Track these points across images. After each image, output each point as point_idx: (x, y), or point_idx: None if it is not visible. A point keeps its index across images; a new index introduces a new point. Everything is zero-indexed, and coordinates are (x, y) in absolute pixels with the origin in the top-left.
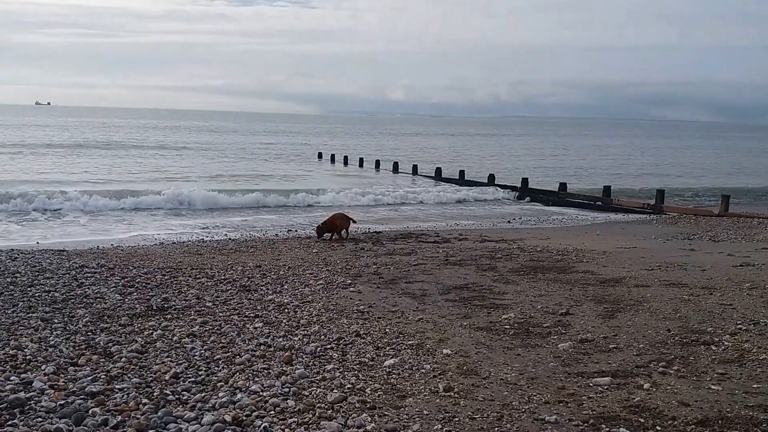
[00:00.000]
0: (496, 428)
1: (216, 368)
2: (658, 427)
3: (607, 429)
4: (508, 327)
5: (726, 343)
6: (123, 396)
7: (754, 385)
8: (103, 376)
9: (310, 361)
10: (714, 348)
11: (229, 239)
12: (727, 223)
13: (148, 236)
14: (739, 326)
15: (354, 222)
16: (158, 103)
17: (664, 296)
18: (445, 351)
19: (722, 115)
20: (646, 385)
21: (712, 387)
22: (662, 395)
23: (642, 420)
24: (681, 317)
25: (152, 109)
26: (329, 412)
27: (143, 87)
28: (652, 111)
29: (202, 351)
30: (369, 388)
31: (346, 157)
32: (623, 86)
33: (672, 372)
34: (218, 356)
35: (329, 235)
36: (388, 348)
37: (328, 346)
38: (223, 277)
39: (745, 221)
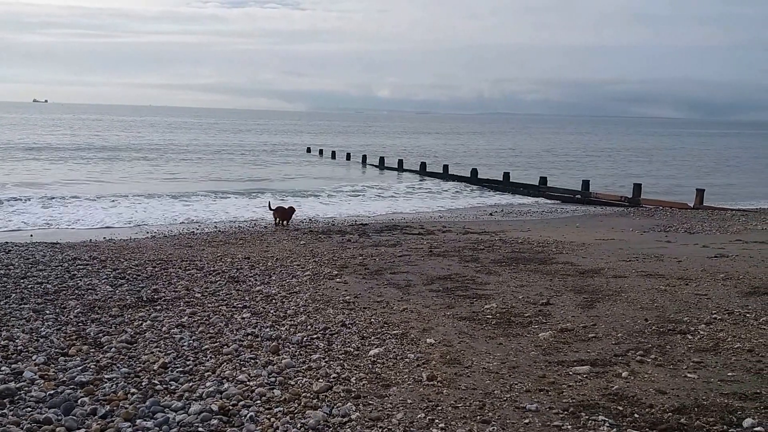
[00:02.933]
0: (479, 416)
1: (204, 358)
2: (636, 415)
3: (587, 417)
4: (490, 317)
5: (701, 333)
6: (112, 386)
7: (729, 373)
8: (92, 366)
9: (296, 351)
10: (690, 337)
11: (219, 231)
12: (702, 215)
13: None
14: (714, 316)
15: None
16: (152, 100)
17: (641, 287)
18: (428, 340)
19: (695, 112)
20: (624, 374)
21: (689, 375)
22: (640, 383)
23: (620, 408)
24: (658, 307)
25: (147, 106)
26: (315, 401)
27: (138, 85)
28: (629, 108)
29: (191, 341)
30: (354, 378)
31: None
32: (600, 84)
33: (649, 360)
34: (206, 346)
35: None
36: (373, 338)
37: (315, 336)
38: (212, 269)
39: (719, 214)
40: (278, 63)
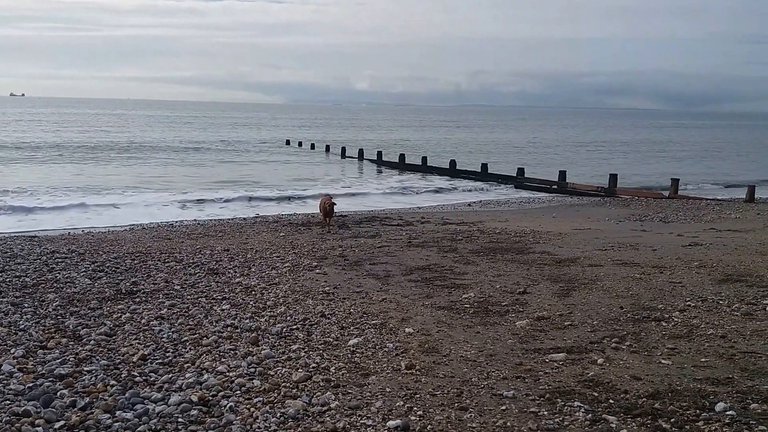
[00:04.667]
0: (456, 404)
1: (183, 350)
2: (611, 401)
3: (563, 403)
4: (468, 306)
5: (676, 320)
6: (91, 378)
7: (702, 359)
8: (71, 359)
9: (276, 342)
10: (664, 324)
11: (198, 224)
12: (677, 205)
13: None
14: (688, 303)
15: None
16: (131, 93)
17: (616, 275)
18: (407, 330)
19: (671, 104)
20: (599, 361)
21: (663, 361)
22: (615, 370)
23: (596, 394)
24: (633, 295)
25: (125, 100)
26: (294, 390)
27: (116, 78)
28: (604, 99)
29: (170, 333)
30: (333, 367)
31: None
32: (576, 76)
33: (624, 347)
34: (186, 338)
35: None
36: (352, 328)
37: (294, 327)
38: (191, 261)
39: (693, 203)
40: (256, 56)
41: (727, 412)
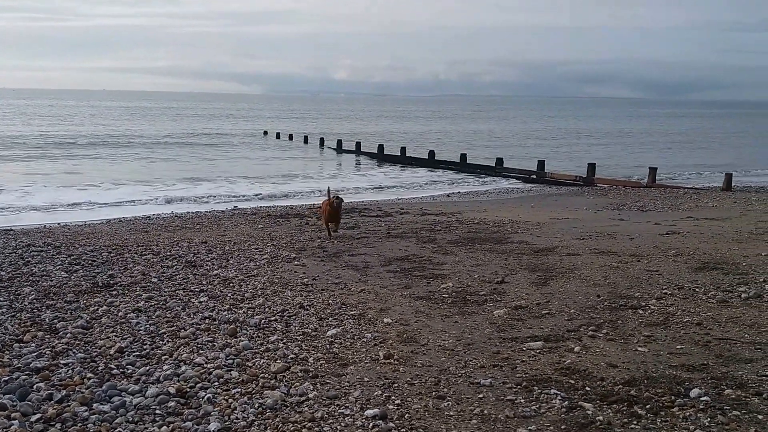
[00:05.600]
0: (434, 392)
1: (161, 342)
2: (587, 388)
3: (539, 390)
4: (447, 296)
5: (652, 307)
6: (68, 371)
7: (678, 346)
8: (48, 352)
9: (254, 333)
10: (641, 312)
11: (175, 216)
12: (655, 193)
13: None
14: (665, 291)
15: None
16: (106, 84)
17: (594, 264)
18: (385, 320)
19: (650, 92)
20: (576, 349)
21: (639, 349)
22: (592, 357)
23: (572, 381)
24: (610, 283)
25: (100, 91)
26: (272, 381)
27: (91, 69)
28: (584, 88)
29: (147, 326)
30: (312, 358)
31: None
32: (555, 65)
33: (601, 335)
34: (163, 330)
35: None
36: (330, 318)
37: (273, 318)
38: (168, 254)
39: (671, 192)
40: (233, 45)
41: (702, 398)
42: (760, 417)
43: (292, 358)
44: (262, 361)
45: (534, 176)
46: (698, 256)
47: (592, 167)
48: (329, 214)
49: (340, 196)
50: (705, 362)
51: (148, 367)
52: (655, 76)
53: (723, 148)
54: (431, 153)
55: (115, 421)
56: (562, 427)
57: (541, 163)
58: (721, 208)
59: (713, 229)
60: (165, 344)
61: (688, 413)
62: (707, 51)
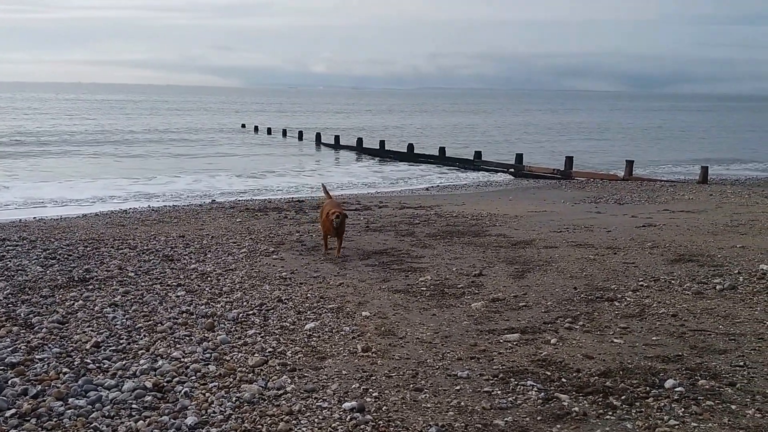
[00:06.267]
0: (411, 385)
1: (137, 336)
2: (563, 379)
3: (516, 382)
4: (425, 289)
5: (628, 299)
6: (43, 366)
7: (653, 338)
8: (23, 347)
9: (232, 327)
10: (617, 304)
11: (152, 210)
12: (632, 186)
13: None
14: (641, 283)
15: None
16: (81, 77)
17: (571, 256)
18: (364, 313)
19: (628, 85)
20: (553, 340)
21: (615, 340)
22: (568, 349)
23: (549, 373)
24: (587, 276)
25: (75, 84)
26: (250, 375)
27: (66, 62)
28: (562, 81)
29: (124, 320)
30: (290, 351)
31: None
32: (534, 58)
33: (577, 327)
34: (140, 325)
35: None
36: (309, 312)
37: (251, 312)
38: (145, 248)
39: (648, 184)
40: (210, 38)
41: (676, 389)
42: (733, 407)
43: (270, 352)
44: (240, 355)
45: (512, 169)
46: (674, 248)
47: (569, 160)
48: (328, 229)
49: (345, 212)
50: (680, 353)
51: (124, 362)
52: (632, 69)
53: (700, 141)
54: (410, 146)
55: (91, 416)
56: (538, 418)
57: (519, 157)
58: (697, 201)
59: (689, 221)
60: (142, 339)
61: (662, 404)
62: (684, 44)
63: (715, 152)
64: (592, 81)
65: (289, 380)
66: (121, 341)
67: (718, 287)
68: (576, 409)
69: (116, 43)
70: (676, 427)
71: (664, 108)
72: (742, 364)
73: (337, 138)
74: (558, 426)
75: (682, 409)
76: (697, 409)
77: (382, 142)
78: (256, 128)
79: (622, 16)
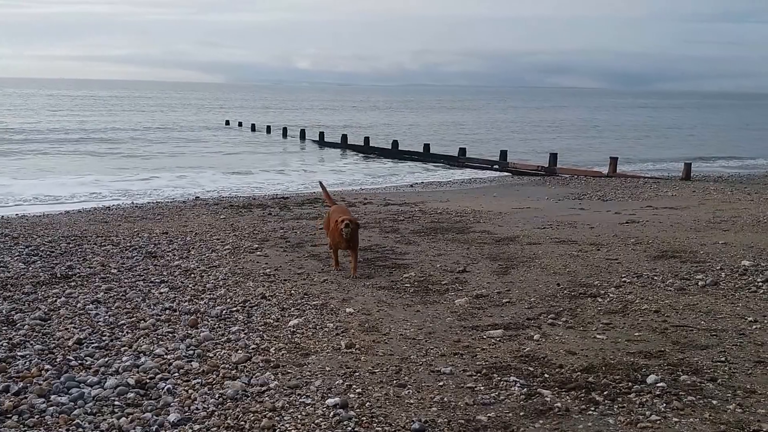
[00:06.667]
0: (395, 381)
1: (120, 333)
2: (546, 375)
3: (499, 378)
4: (409, 285)
5: (611, 295)
6: (25, 363)
7: (636, 333)
8: (5, 344)
9: (215, 324)
10: (600, 300)
11: (136, 206)
12: (615, 183)
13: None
14: (624, 279)
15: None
16: (64, 73)
17: (554, 253)
18: (348, 310)
19: (613, 83)
20: (536, 336)
21: (598, 336)
22: (551, 345)
23: (531, 369)
24: (570, 272)
25: (59, 80)
26: (233, 372)
27: (49, 57)
28: (547, 79)
29: (107, 317)
30: (273, 348)
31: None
32: (518, 55)
33: (560, 323)
34: (123, 322)
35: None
36: (293, 309)
37: (234, 309)
38: (129, 244)
39: (631, 181)
40: (194, 33)
41: (658, 384)
42: (714, 402)
43: (253, 349)
44: (223, 351)
45: (496, 166)
46: (657, 244)
47: (554, 157)
48: (338, 241)
49: (357, 221)
50: (662, 349)
51: (107, 359)
52: (617, 66)
53: (683, 138)
54: (395, 143)
55: (74, 413)
56: (521, 413)
57: (503, 153)
58: (680, 198)
59: (672, 218)
60: (124, 335)
61: (644, 399)
62: (668, 42)
63: (698, 149)
64: (578, 78)
65: (273, 377)
66: (104, 338)
67: (700, 283)
68: (558, 404)
69: (99, 39)
70: (658, 422)
71: (649, 105)
72: (723, 359)
73: (321, 134)
74: (540, 421)
75: (664, 405)
76: (679, 404)
77: (366, 139)
78: (240, 124)
79: (607, 13)
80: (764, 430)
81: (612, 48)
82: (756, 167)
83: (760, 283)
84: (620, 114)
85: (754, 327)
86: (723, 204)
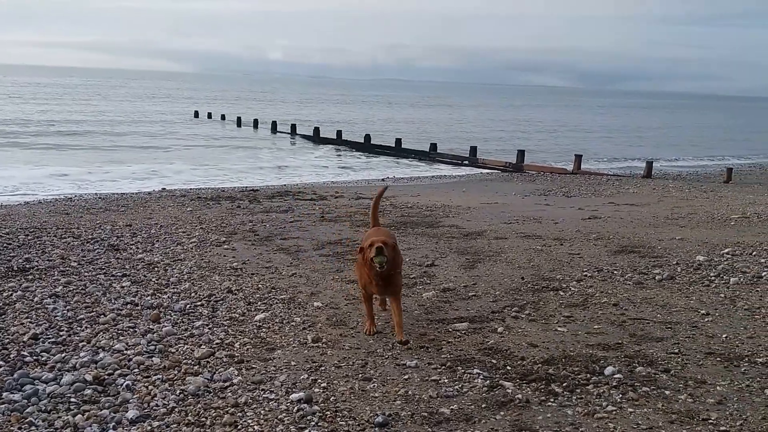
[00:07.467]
0: (360, 375)
1: (78, 328)
2: (508, 367)
3: (463, 370)
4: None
5: (573, 289)
6: None
7: (595, 326)
8: None
9: (178, 319)
10: (562, 293)
11: (99, 198)
12: (580, 180)
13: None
14: (585, 273)
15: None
16: (26, 59)
17: (520, 247)
18: (316, 304)
19: (582, 82)
20: (500, 329)
21: (559, 329)
22: (514, 338)
23: (494, 361)
24: (534, 266)
25: (20, 66)
26: (196, 367)
27: (10, 43)
28: (519, 76)
29: (65, 311)
30: (238, 343)
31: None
32: (491, 52)
33: (524, 316)
34: (81, 316)
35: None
36: (259, 303)
37: (199, 303)
38: (90, 237)
39: (595, 178)
40: (164, 21)
41: (615, 376)
42: (667, 392)
43: (217, 344)
44: (186, 347)
45: (466, 162)
46: (617, 240)
47: (521, 153)
48: (367, 279)
49: (395, 241)
50: (620, 341)
51: (63, 354)
52: (586, 66)
53: (647, 137)
54: (367, 137)
55: (27, 410)
56: (483, 405)
57: (473, 149)
58: (640, 195)
59: (632, 214)
60: (83, 330)
61: (602, 390)
62: (636, 43)
63: (661, 148)
64: (548, 76)
65: (236, 372)
66: (61, 333)
67: (657, 277)
68: (519, 396)
69: (65, 25)
70: (614, 412)
71: (615, 105)
72: (676, 351)
73: (293, 126)
74: (501, 413)
75: (620, 395)
76: (634, 395)
77: (338, 132)
78: (209, 115)
79: (577, 13)
80: (713, 418)
81: (581, 47)
82: (713, 166)
83: (713, 278)
84: (587, 113)
85: (707, 320)
86: (681, 201)
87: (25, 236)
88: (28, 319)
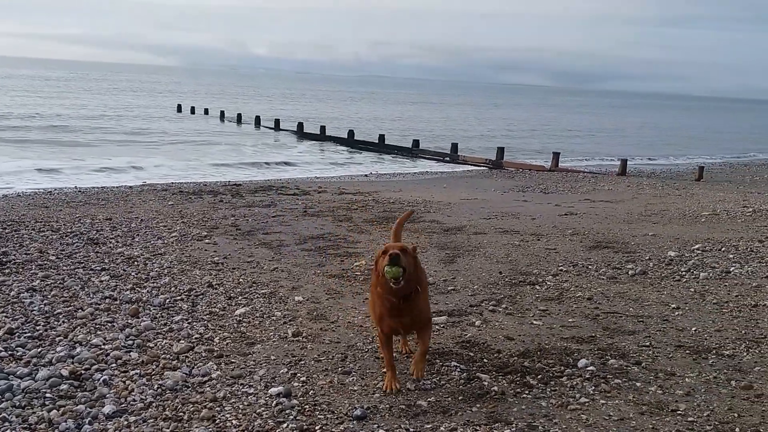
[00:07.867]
0: (340, 368)
1: (56, 323)
2: (485, 360)
3: (441, 363)
4: (359, 273)
5: (548, 283)
6: None
7: (570, 320)
8: None
9: (157, 313)
10: (538, 288)
11: (79, 191)
12: (557, 177)
13: None
14: (561, 268)
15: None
16: (8, 50)
17: (498, 242)
18: (297, 298)
19: (560, 81)
20: (477, 323)
21: (534, 322)
22: (491, 331)
23: (472, 354)
24: (512, 261)
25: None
26: (174, 362)
27: None
28: (498, 75)
29: (42, 305)
30: (218, 337)
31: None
32: (472, 51)
33: (501, 310)
34: (59, 311)
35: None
36: (240, 297)
37: (178, 298)
38: (69, 230)
39: (572, 175)
40: (150, 15)
41: (588, 368)
42: (638, 384)
43: (196, 338)
44: (165, 341)
45: (447, 158)
46: (592, 235)
47: (501, 151)
48: (382, 306)
49: (415, 251)
50: (593, 334)
51: (40, 349)
52: (564, 65)
53: (623, 136)
54: (350, 132)
55: (0, 406)
56: (460, 398)
57: (454, 146)
58: (615, 192)
59: (607, 210)
60: (60, 325)
61: (575, 382)
62: (612, 43)
63: (636, 147)
64: (529, 75)
65: (215, 366)
66: (38, 327)
67: (630, 272)
68: (495, 388)
69: (47, 16)
70: (587, 404)
71: (591, 104)
72: (648, 344)
73: (277, 121)
74: (478, 405)
75: (593, 387)
76: (606, 387)
77: (322, 128)
78: (192, 110)
79: (557, 13)
80: (681, 409)
81: (559, 47)
82: (685, 165)
83: (684, 273)
84: (565, 112)
85: (677, 313)
86: (654, 198)
87: (2, 229)
88: (4, 314)
